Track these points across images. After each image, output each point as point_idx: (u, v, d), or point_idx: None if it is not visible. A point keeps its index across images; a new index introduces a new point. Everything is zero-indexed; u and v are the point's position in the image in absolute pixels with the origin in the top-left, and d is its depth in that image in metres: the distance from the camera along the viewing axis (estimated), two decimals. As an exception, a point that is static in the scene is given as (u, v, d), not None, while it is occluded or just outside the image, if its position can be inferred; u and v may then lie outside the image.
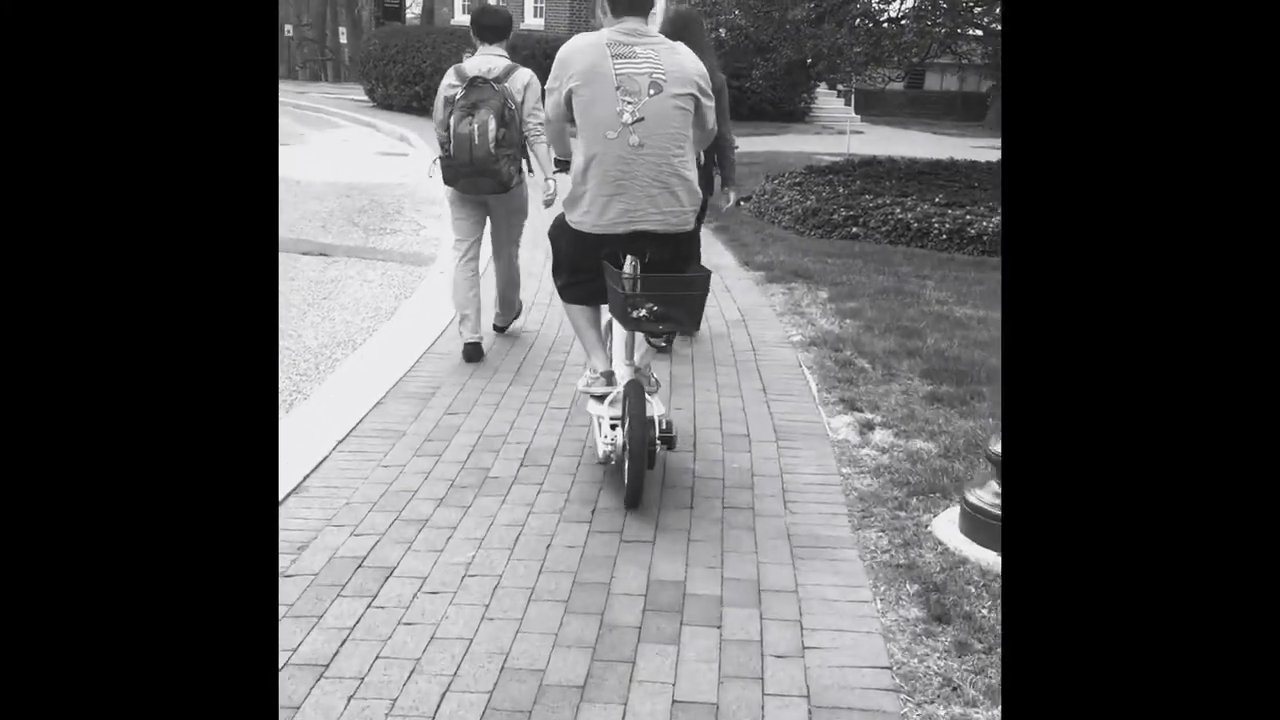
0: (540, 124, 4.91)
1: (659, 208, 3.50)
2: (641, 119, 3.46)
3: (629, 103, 3.45)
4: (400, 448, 4.13)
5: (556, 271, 3.91)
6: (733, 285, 7.34)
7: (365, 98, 25.41)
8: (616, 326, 3.86)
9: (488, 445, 4.17)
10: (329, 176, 13.04)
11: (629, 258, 3.54)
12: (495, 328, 5.84)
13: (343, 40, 36.41)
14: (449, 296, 5.74)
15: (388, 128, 19.34)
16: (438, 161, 5.06)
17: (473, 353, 5.29)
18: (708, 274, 3.60)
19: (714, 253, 8.61)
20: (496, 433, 4.31)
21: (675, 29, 4.96)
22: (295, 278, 7.56)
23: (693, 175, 3.60)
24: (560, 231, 3.76)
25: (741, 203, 11.68)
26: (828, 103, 25.10)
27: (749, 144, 17.51)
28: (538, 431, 4.31)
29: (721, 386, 5.02)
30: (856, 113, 24.62)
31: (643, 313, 3.44)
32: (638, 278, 3.47)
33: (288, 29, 36.80)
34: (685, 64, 3.57)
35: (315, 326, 6.28)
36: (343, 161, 14.80)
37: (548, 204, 5.08)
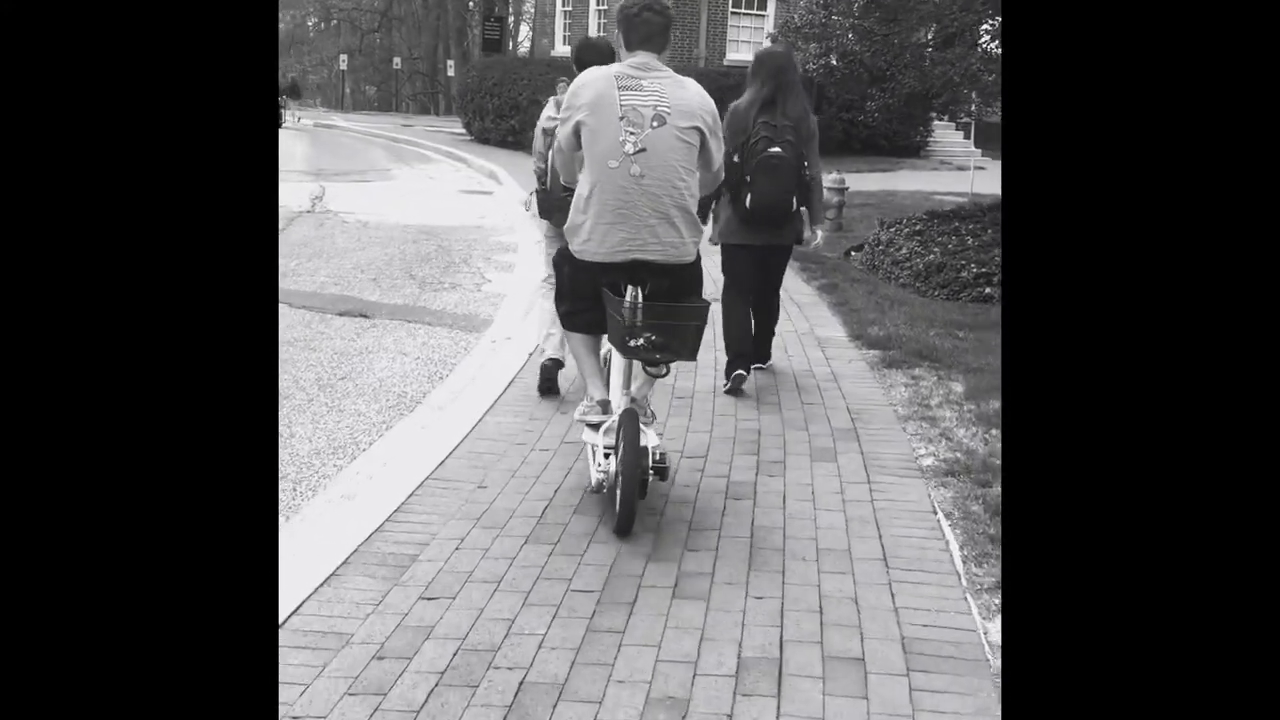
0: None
1: (659, 238, 3.52)
2: (643, 150, 3.49)
3: (631, 133, 3.48)
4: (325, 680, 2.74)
5: (559, 299, 3.94)
6: (842, 370, 5.81)
7: (464, 131, 24.60)
8: (615, 355, 3.79)
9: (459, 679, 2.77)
10: (403, 218, 11.92)
11: (630, 287, 3.52)
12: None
13: (450, 73, 35.95)
14: (535, 326, 5.64)
15: (478, 163, 18.31)
16: (534, 195, 5.10)
17: (550, 375, 5.12)
18: (706, 305, 3.64)
19: (819, 319, 7.10)
20: (484, 645, 2.90)
21: (766, 70, 5.10)
22: (319, 347, 6.31)
23: (694, 207, 3.62)
24: (564, 259, 3.77)
25: (852, 253, 10.12)
26: (945, 136, 23.27)
27: (860, 182, 15.89)
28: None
29: (824, 553, 3.49)
30: (976, 146, 22.74)
31: (640, 341, 3.47)
32: (638, 306, 3.48)
33: (396, 61, 36.61)
34: (691, 98, 3.59)
35: (316, 421, 4.98)
36: (423, 200, 13.71)
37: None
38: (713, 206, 5.19)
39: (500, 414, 4.84)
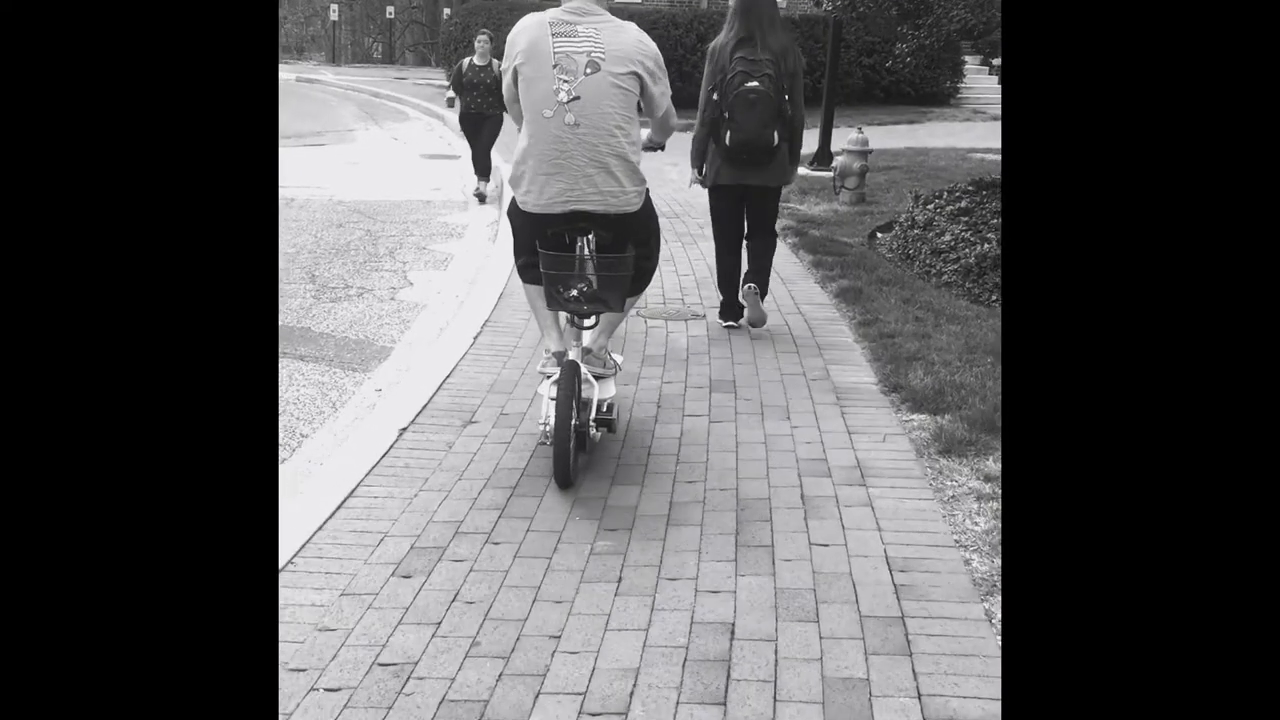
0: None
1: (597, 188, 3.42)
2: (577, 98, 3.37)
3: (565, 81, 3.37)
4: None
5: (515, 252, 3.81)
6: (873, 460, 3.71)
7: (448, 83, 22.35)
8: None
9: None
10: (340, 192, 9.85)
11: (580, 238, 3.48)
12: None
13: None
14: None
15: (454, 120, 16.14)
16: None
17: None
18: (632, 255, 3.53)
19: (837, 350, 5.00)
20: None
21: (743, 6, 4.93)
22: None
23: (636, 156, 3.50)
24: (514, 212, 3.64)
25: (878, 235, 7.97)
26: (976, 81, 20.82)
27: (884, 137, 13.62)
28: None
29: None
30: (1011, 93, 20.29)
31: (574, 293, 3.45)
32: (585, 259, 3.46)
33: (390, 10, 34.13)
34: (628, 43, 3.45)
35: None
36: (375, 168, 11.61)
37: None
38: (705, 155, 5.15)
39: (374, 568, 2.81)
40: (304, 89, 23.20)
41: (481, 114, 9.56)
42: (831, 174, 9.56)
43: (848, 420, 4.08)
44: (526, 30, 3.45)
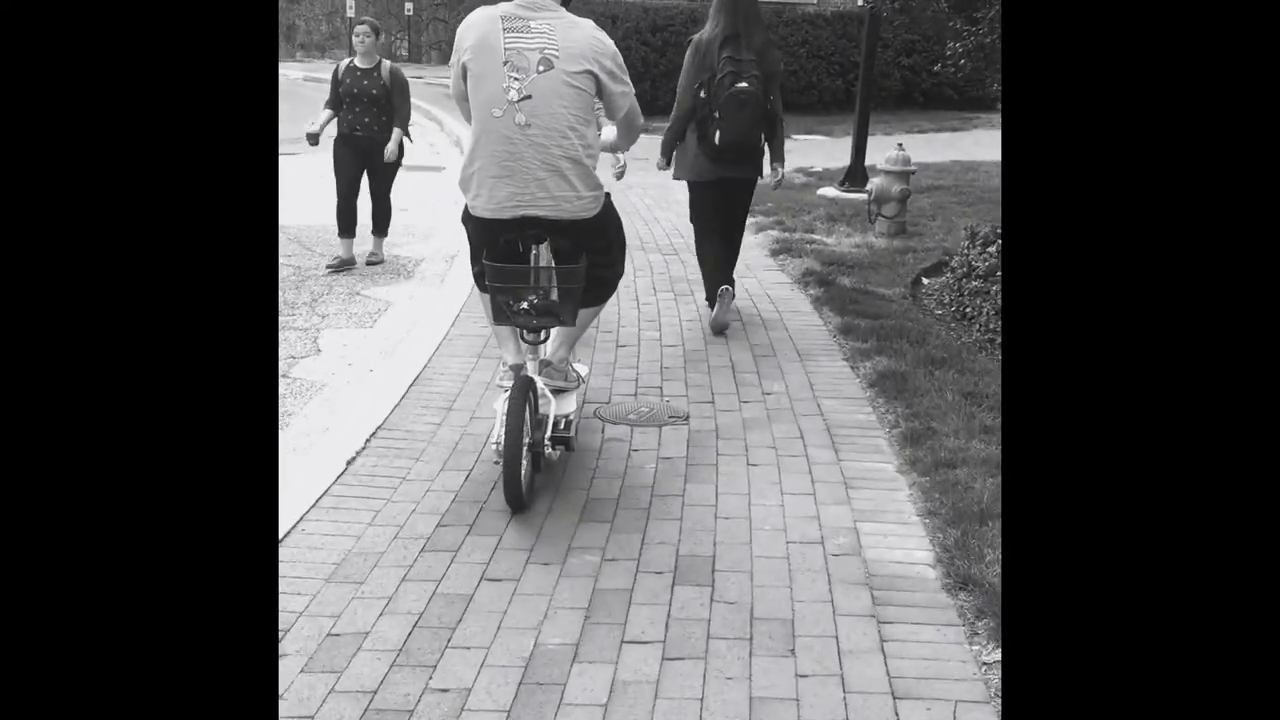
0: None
1: (549, 192, 3.22)
2: (528, 97, 3.17)
3: (515, 79, 3.17)
4: None
5: (471, 258, 3.58)
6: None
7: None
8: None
9: None
10: (292, 212, 8.31)
11: (534, 246, 3.30)
12: None
13: (471, 19, 31.95)
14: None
15: (451, 124, 14.64)
16: None
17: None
18: (583, 265, 3.30)
19: (867, 487, 3.37)
20: None
21: (728, 2, 4.85)
22: None
23: (592, 160, 3.30)
24: (466, 217, 3.42)
25: (924, 280, 6.32)
26: (1024, 84, 18.99)
27: (923, 148, 11.91)
28: None
29: None
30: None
31: (524, 305, 3.25)
32: (539, 270, 3.28)
33: (409, 7, 32.68)
34: (582, 40, 3.23)
35: None
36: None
37: (618, 176, 4.75)
38: (676, 146, 5.14)
39: None
40: (305, 90, 21.79)
41: (369, 138, 6.54)
42: (866, 197, 7.90)
43: (885, 640, 2.46)
44: (476, 25, 3.24)
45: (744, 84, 4.75)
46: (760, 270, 6.50)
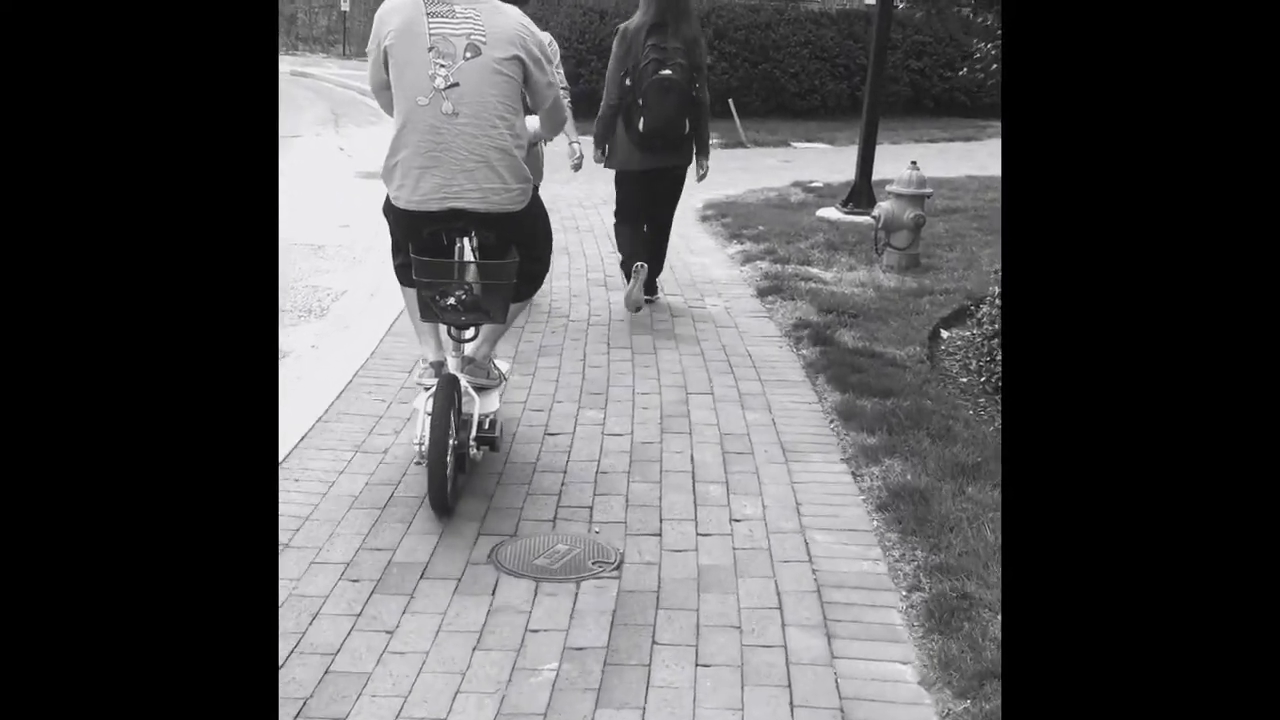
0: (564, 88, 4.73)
1: (477, 184, 3.08)
2: (456, 84, 3.04)
3: (442, 66, 3.03)
4: None
5: (392, 251, 3.45)
6: None
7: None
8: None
9: None
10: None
11: (459, 239, 3.17)
12: None
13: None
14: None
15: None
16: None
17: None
18: (514, 260, 3.17)
19: (881, 710, 2.16)
20: None
21: None
22: None
23: (520, 150, 3.15)
24: (388, 208, 3.25)
25: (943, 333, 5.12)
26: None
27: (936, 160, 10.68)
28: None
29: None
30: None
31: (451, 301, 3.09)
32: (464, 264, 3.14)
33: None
34: (509, 25, 3.10)
35: None
36: (286, 191, 8.87)
37: (575, 168, 5.05)
38: (609, 138, 5.10)
39: None
40: (286, 85, 20.60)
41: None
42: (873, 221, 6.68)
43: None
44: (398, 9, 3.07)
45: (667, 71, 4.79)
46: (743, 315, 5.30)
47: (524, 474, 3.39)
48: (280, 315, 5.28)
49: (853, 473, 3.44)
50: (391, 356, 4.48)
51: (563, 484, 3.33)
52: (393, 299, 5.55)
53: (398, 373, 4.26)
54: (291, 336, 4.96)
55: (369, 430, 3.68)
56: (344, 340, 4.85)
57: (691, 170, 5.18)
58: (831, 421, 3.88)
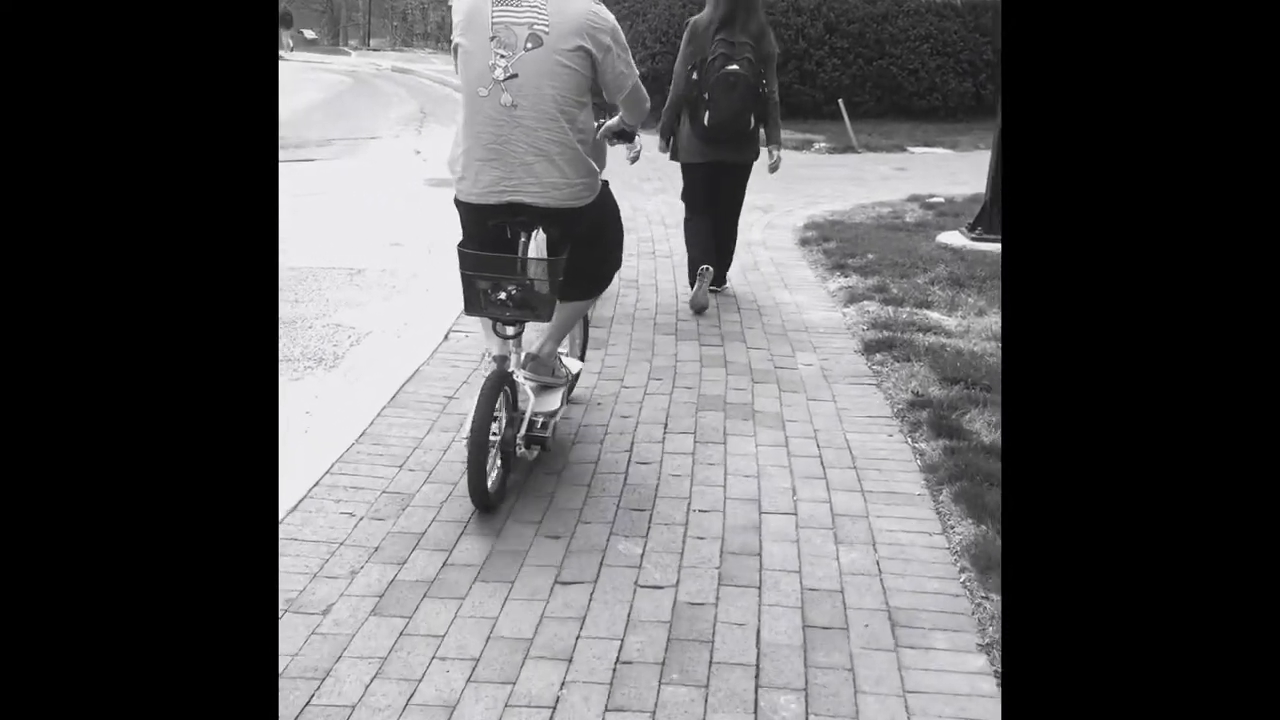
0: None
1: (538, 178, 3.01)
2: (514, 75, 2.95)
3: (502, 56, 2.95)
4: None
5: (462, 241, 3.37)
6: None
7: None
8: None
9: None
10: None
11: (523, 234, 3.08)
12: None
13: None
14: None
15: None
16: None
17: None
18: (563, 258, 3.04)
19: None
20: None
21: None
22: None
23: (585, 144, 3.06)
24: (457, 200, 3.18)
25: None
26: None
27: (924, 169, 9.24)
28: None
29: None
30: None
31: (502, 295, 2.99)
32: (527, 260, 3.04)
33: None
34: (577, 13, 2.97)
35: None
36: (343, 200, 8.08)
37: (633, 160, 4.71)
38: (674, 129, 5.13)
39: None
40: (382, 82, 20.10)
41: None
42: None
43: None
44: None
45: (734, 66, 4.80)
46: (843, 381, 4.17)
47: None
48: (281, 367, 4.38)
49: (994, 672, 2.31)
50: (383, 439, 3.51)
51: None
52: (422, 339, 4.63)
53: (385, 467, 3.29)
54: (290, 395, 4.04)
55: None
56: (345, 396, 3.90)
57: (761, 165, 5.12)
58: (963, 572, 2.74)
